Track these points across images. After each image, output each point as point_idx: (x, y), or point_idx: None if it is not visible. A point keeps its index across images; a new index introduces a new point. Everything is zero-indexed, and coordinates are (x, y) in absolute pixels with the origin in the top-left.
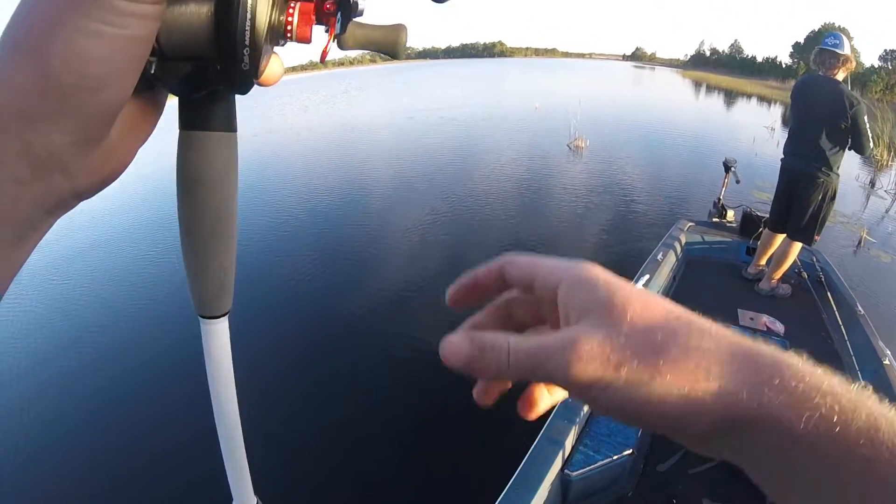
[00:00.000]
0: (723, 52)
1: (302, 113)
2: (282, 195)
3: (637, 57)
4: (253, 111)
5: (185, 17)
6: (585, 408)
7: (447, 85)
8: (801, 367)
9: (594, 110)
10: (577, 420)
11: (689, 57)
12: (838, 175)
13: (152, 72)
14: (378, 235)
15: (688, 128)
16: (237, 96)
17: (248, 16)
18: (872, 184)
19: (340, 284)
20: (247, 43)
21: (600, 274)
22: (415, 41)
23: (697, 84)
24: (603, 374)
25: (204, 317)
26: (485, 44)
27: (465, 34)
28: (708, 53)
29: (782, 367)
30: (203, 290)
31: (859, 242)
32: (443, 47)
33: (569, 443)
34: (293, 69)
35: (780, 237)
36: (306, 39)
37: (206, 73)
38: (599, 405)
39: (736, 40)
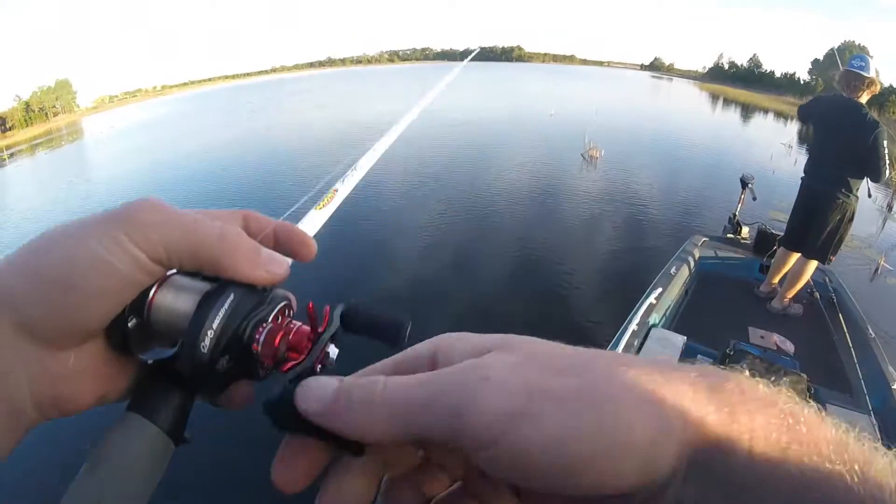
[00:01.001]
0: (741, 65)
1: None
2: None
3: (655, 67)
4: (268, 102)
5: (173, 297)
6: None
7: (463, 88)
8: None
9: (610, 120)
10: None
11: (707, 69)
12: (857, 197)
13: (129, 325)
14: (389, 236)
15: (704, 142)
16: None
17: (215, 325)
18: (890, 207)
19: (351, 288)
20: (204, 352)
21: (525, 337)
22: (434, 42)
23: (714, 97)
24: (526, 403)
25: None
26: (503, 48)
27: (484, 38)
28: (726, 66)
29: (744, 387)
30: None
31: (876, 269)
32: (461, 49)
33: None
34: (311, 65)
35: (795, 256)
36: (272, 359)
37: (169, 359)
38: (514, 455)
39: (755, 54)
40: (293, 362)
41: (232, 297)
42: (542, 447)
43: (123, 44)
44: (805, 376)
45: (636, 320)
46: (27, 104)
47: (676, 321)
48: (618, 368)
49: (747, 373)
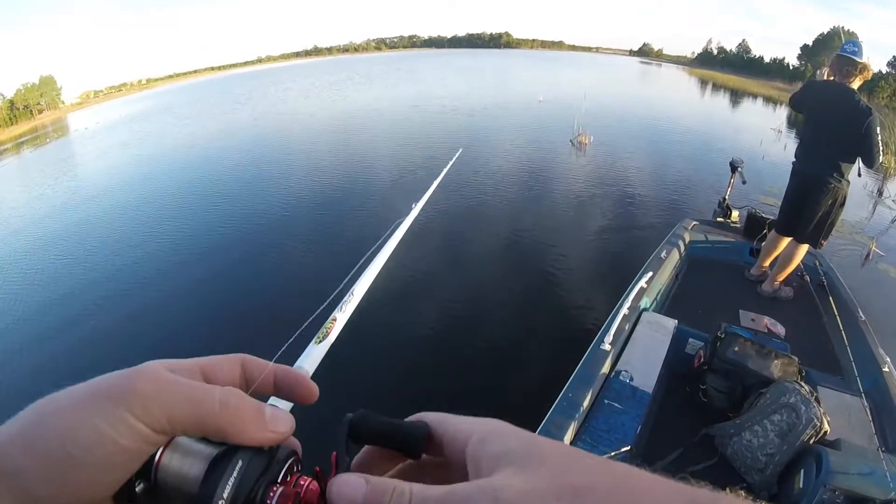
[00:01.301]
0: (730, 51)
1: (303, 99)
2: (281, 175)
3: (644, 53)
4: (254, 93)
5: (180, 461)
6: (585, 402)
7: (451, 75)
8: None
9: (599, 106)
10: (577, 415)
11: (696, 55)
12: (849, 182)
13: (137, 490)
14: (369, 222)
15: (694, 126)
16: None
17: (226, 494)
18: (880, 192)
19: (329, 269)
20: None
21: (512, 427)
22: (421, 30)
23: (704, 82)
24: None
25: None
26: (491, 34)
27: (472, 24)
28: (715, 52)
29: None
30: None
31: (867, 255)
32: (448, 36)
33: (567, 438)
34: (297, 54)
35: (786, 240)
36: None
37: None
38: None
39: (744, 40)
40: None
41: (240, 462)
42: None
43: (108, 38)
44: (796, 359)
45: (627, 304)
46: (11, 102)
47: (667, 305)
48: (630, 485)
49: (735, 496)
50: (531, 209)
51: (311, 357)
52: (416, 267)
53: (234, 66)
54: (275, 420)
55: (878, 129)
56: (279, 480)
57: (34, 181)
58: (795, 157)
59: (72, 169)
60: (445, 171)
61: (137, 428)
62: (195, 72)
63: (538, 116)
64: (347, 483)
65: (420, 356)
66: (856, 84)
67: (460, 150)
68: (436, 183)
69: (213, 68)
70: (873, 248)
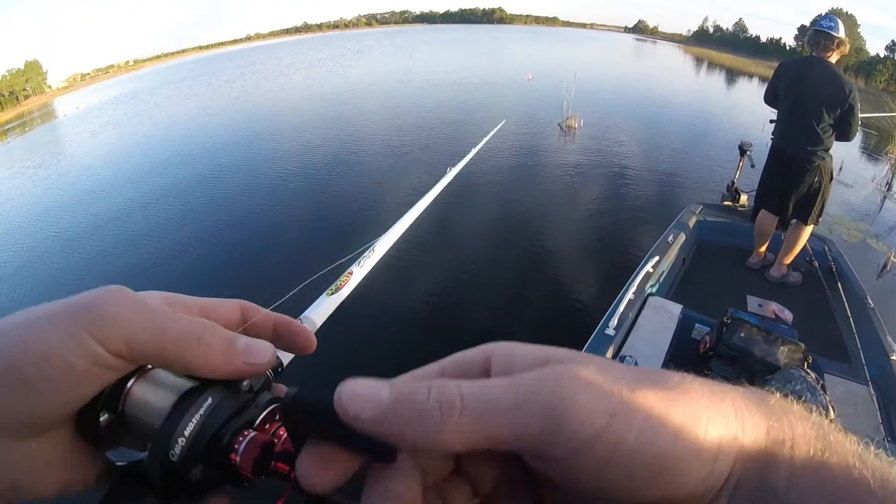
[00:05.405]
0: (727, 30)
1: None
2: (275, 155)
3: (639, 30)
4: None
5: (152, 393)
6: None
7: (441, 51)
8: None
9: (592, 82)
10: None
11: (692, 33)
12: (832, 157)
13: (100, 420)
14: (352, 209)
15: (691, 107)
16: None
17: (187, 431)
18: (889, 186)
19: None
20: (173, 460)
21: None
22: (413, 4)
23: (699, 60)
24: (619, 402)
25: None
26: (484, 10)
27: None
28: (711, 31)
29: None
30: None
31: (885, 265)
32: (441, 11)
33: None
34: (287, 31)
35: (773, 220)
36: (254, 471)
37: (140, 463)
38: (609, 455)
39: (741, 19)
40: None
41: (210, 399)
42: (636, 446)
43: (94, 19)
44: (803, 345)
45: (632, 289)
46: None
47: (674, 290)
48: (685, 378)
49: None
50: (526, 195)
51: (321, 308)
52: (407, 253)
53: (223, 44)
54: (248, 350)
55: (859, 104)
56: (255, 426)
57: (22, 166)
58: (773, 135)
59: (58, 151)
60: (485, 140)
61: (90, 347)
62: (183, 51)
63: (527, 95)
64: (364, 384)
65: (422, 327)
66: (833, 58)
67: (503, 122)
68: (474, 151)
69: (201, 47)
70: (892, 258)
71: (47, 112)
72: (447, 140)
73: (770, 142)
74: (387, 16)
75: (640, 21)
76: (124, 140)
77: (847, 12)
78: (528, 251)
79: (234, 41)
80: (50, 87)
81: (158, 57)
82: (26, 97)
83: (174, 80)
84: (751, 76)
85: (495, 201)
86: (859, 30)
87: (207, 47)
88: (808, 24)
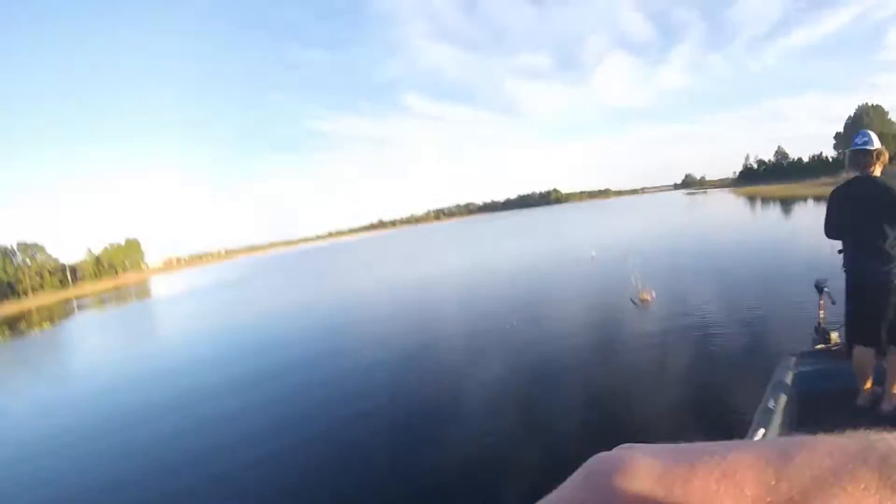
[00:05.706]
0: (769, 161)
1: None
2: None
3: (688, 184)
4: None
5: None
6: None
7: (502, 238)
8: None
9: (655, 252)
10: None
11: (737, 174)
12: None
13: None
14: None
15: (757, 251)
16: None
17: None
18: None
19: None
20: None
21: None
22: (475, 197)
23: (752, 199)
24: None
25: None
26: (540, 193)
27: (522, 185)
28: (755, 166)
29: None
30: None
31: None
32: (502, 200)
33: None
34: (364, 228)
35: (871, 353)
36: None
37: None
38: None
39: (779, 147)
40: None
41: None
42: None
43: (192, 208)
44: None
45: None
46: (98, 259)
47: None
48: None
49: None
50: (598, 376)
51: None
52: (487, 441)
53: (307, 240)
54: None
55: None
56: None
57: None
58: (844, 265)
59: (150, 332)
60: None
61: None
62: (271, 245)
63: (594, 275)
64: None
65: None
66: (877, 171)
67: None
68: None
69: (288, 242)
70: None
71: (143, 289)
72: (525, 344)
73: (843, 272)
74: (453, 209)
75: (687, 175)
76: (215, 329)
77: (873, 104)
78: (621, 432)
79: (318, 237)
80: (147, 265)
81: (250, 249)
82: (124, 271)
83: (263, 272)
84: (805, 199)
85: (579, 387)
86: (890, 116)
87: (293, 242)
88: (841, 131)
